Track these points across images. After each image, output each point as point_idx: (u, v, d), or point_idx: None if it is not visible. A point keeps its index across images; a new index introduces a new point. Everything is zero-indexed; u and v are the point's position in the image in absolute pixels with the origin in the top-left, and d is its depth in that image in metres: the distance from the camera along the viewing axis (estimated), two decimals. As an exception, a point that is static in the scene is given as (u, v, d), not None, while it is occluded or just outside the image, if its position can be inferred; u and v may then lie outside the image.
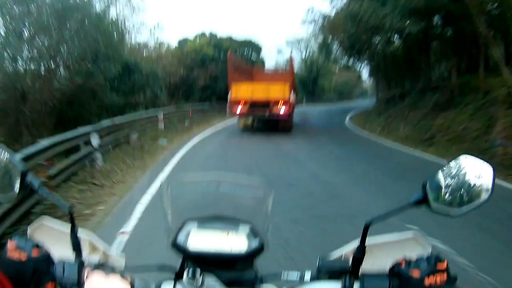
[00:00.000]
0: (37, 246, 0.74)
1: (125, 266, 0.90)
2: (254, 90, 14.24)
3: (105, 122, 9.40)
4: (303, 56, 49.58)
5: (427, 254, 0.75)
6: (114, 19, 15.78)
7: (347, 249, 0.87)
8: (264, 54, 38.69)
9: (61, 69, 12.95)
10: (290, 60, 19.58)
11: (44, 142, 5.73)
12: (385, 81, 26.31)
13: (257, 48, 36.48)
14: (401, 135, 13.82)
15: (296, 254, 3.46)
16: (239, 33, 42.32)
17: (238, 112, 14.29)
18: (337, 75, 53.51)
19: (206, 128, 16.55)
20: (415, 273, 0.70)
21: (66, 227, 0.84)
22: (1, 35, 10.87)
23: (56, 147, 6.09)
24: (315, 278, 0.82)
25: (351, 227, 4.03)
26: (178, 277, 0.84)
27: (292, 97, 14.76)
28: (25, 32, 11.43)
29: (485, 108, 11.12)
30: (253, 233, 0.83)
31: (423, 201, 0.78)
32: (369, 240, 0.81)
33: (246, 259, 0.85)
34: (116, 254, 0.93)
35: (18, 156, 4.28)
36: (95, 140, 7.16)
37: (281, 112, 13.87)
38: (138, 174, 7.06)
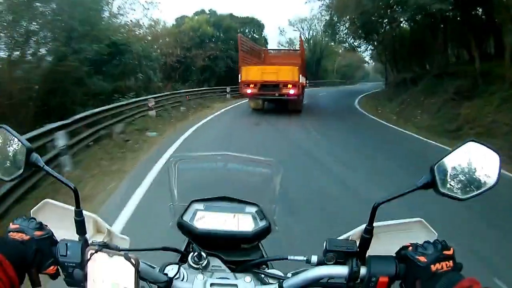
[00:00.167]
0: (39, 226, 0.74)
1: (129, 247, 0.88)
2: (264, 71, 14.37)
3: (83, 113, 8.03)
4: (306, 37, 47.75)
5: (434, 240, 0.73)
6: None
7: (354, 232, 0.85)
8: (266, 33, 36.88)
9: (31, 51, 11.28)
10: (300, 42, 19.36)
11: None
12: (394, 64, 24.77)
13: (259, 27, 34.65)
14: (422, 124, 12.43)
15: None
16: (240, 11, 40.21)
17: (248, 92, 14.44)
18: (341, 56, 51.98)
19: (204, 114, 14.84)
20: (422, 258, 0.70)
21: (69, 209, 0.82)
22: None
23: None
24: (321, 262, 0.79)
25: None
26: (182, 258, 0.86)
27: (302, 79, 14.92)
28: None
29: (514, 99, 10.17)
30: (259, 215, 0.86)
31: (431, 184, 0.74)
32: (375, 225, 0.78)
33: (252, 240, 0.86)
34: (120, 235, 0.92)
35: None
36: (61, 140, 5.74)
37: (291, 92, 13.91)
38: (113, 185, 5.48)
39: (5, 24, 9.99)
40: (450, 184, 0.75)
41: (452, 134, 10.37)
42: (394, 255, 0.76)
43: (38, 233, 0.72)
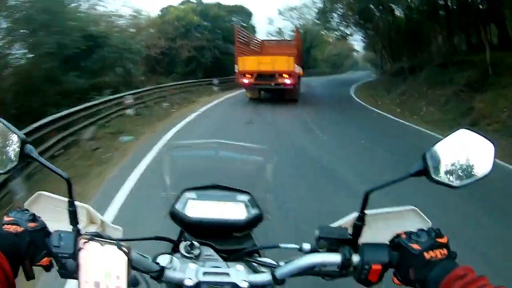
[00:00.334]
0: (33, 218, 0.74)
1: (122, 237, 0.88)
2: (260, 62, 14.56)
3: (49, 118, 6.81)
4: (297, 26, 46.43)
5: (427, 228, 0.73)
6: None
7: (346, 220, 0.84)
8: (255, 22, 35.44)
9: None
10: (296, 32, 19.74)
11: None
12: (390, 53, 23.79)
13: (248, 15, 33.15)
14: (430, 118, 11.40)
15: None
16: (228, 0, 38.47)
17: (245, 82, 14.64)
18: (332, 45, 51.11)
19: (189, 110, 13.30)
20: (416, 246, 0.69)
21: (63, 201, 0.83)
22: None
23: None
24: (314, 250, 0.79)
25: None
26: (175, 248, 0.85)
27: (298, 68, 15.22)
28: None
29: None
30: (251, 203, 0.85)
31: (423, 171, 0.74)
32: (368, 213, 0.78)
33: (244, 229, 0.86)
34: (113, 225, 0.92)
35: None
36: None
37: (287, 82, 14.09)
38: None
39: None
40: (443, 172, 0.74)
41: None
42: (388, 243, 0.75)
43: (31, 224, 0.72)
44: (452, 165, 0.73)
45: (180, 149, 0.95)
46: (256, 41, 20.06)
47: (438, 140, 0.74)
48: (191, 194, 0.85)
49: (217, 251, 0.84)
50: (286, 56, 14.52)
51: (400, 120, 11.63)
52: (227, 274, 0.78)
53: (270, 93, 15.97)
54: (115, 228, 0.90)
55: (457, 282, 0.62)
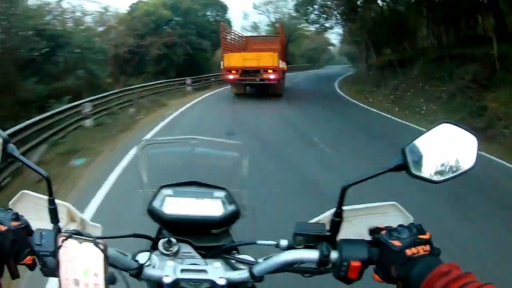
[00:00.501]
0: (16, 217, 0.73)
1: (101, 234, 0.85)
2: (245, 58, 14.93)
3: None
4: (272, 20, 44.92)
5: (409, 224, 0.70)
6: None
7: (324, 216, 0.82)
8: (230, 16, 33.69)
9: None
10: (280, 27, 19.60)
11: None
12: (375, 45, 22.70)
13: (223, 9, 31.40)
14: (434, 118, 10.14)
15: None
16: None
17: (230, 78, 14.96)
18: (309, 40, 50.11)
19: (159, 116, 11.36)
20: (396, 242, 0.67)
21: (45, 199, 0.79)
22: None
23: None
24: (291, 246, 0.77)
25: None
26: (154, 245, 0.82)
27: (282, 64, 15.53)
28: None
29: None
30: (228, 199, 0.83)
31: (403, 166, 0.72)
32: (347, 209, 0.76)
33: (221, 225, 0.84)
34: (92, 223, 0.90)
35: None
36: None
37: (271, 77, 14.39)
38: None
39: None
40: (424, 167, 0.72)
41: (482, 133, 8.02)
42: (368, 239, 0.73)
43: (14, 223, 0.71)
44: (434, 159, 0.71)
45: (156, 146, 0.92)
46: (241, 38, 20.27)
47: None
48: (168, 191, 0.83)
49: (195, 248, 0.82)
50: (270, 52, 14.80)
51: (400, 120, 10.66)
52: (205, 271, 0.77)
53: (255, 88, 16.28)
54: (94, 226, 0.89)
55: (441, 279, 0.60)
